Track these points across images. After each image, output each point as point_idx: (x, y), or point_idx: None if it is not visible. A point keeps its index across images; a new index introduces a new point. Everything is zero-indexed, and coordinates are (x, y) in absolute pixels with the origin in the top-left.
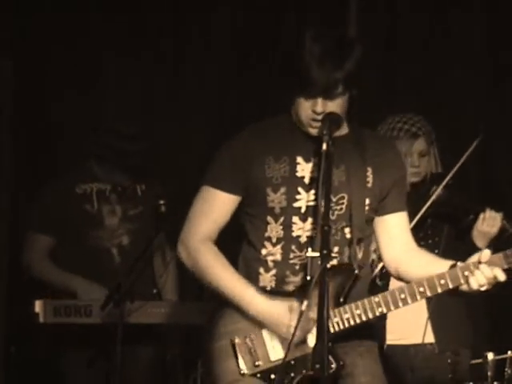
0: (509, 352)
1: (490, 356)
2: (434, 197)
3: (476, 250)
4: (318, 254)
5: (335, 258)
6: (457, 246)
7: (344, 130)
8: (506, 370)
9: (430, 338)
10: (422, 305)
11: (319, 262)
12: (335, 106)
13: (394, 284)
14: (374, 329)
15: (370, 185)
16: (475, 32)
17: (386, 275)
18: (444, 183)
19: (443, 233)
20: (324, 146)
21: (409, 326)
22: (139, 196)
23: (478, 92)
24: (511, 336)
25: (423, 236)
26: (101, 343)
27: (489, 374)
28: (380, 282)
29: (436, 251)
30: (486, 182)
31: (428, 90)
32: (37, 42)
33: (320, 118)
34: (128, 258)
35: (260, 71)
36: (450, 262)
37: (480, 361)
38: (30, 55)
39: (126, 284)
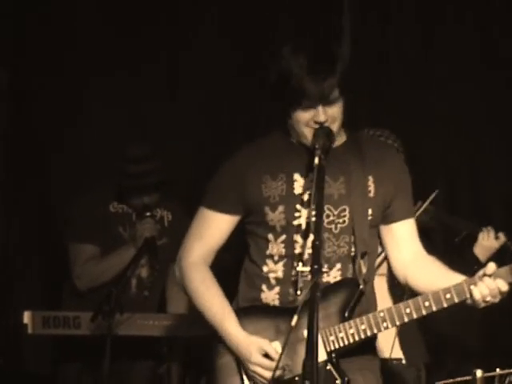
0: (497, 370)
1: (479, 373)
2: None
3: (478, 264)
4: (308, 269)
5: (325, 272)
6: None
7: (342, 138)
8: None
9: (396, 354)
10: None
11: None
12: (335, 111)
13: None
14: (375, 343)
15: (371, 194)
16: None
17: None
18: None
19: None
20: (316, 160)
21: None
22: (165, 227)
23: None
24: (500, 353)
25: None
26: (91, 355)
27: None
28: None
29: None
30: (476, 205)
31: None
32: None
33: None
34: (144, 292)
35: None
36: (458, 275)
37: (469, 378)
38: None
39: (116, 296)
